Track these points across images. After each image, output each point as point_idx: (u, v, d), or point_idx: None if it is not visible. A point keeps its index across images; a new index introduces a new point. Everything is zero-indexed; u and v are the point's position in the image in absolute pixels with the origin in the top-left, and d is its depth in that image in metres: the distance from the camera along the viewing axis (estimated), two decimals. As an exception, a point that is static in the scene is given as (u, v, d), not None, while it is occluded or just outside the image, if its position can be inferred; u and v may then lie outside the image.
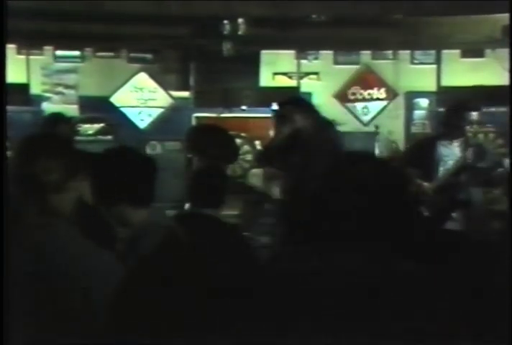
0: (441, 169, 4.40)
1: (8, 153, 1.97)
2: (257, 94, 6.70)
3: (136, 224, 1.99)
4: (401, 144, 6.90)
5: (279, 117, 4.29)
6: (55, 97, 6.72)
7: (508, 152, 5.07)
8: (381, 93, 7.01)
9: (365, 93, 7.06)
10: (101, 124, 6.66)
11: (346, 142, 5.56)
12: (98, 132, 6.64)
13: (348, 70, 7.04)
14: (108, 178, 1.99)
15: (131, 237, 1.99)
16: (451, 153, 4.42)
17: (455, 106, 4.52)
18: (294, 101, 4.32)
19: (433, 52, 6.89)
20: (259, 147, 6.60)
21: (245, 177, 5.82)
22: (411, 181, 4.22)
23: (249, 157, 6.63)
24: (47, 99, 6.69)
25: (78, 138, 5.87)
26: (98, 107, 6.65)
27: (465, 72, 6.63)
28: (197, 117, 6.77)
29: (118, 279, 1.21)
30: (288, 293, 1.25)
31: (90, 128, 6.66)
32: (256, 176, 5.46)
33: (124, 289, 1.07)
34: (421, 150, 4.50)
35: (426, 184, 4.38)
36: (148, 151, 6.47)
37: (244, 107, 6.58)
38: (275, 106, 6.24)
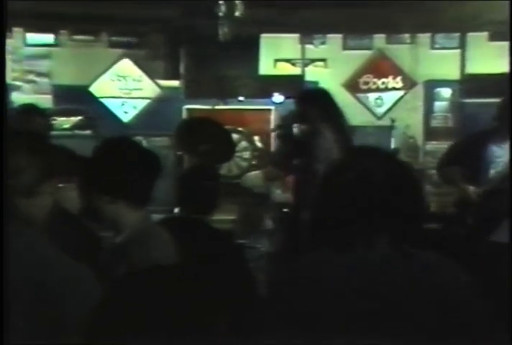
0: (492, 172, 4.16)
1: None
2: (256, 83, 6.69)
3: (129, 228, 2.00)
4: (420, 140, 6.90)
5: (296, 114, 4.33)
6: (26, 86, 6.70)
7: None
8: (397, 81, 6.99)
9: (379, 82, 7.04)
10: (79, 117, 6.63)
11: (356, 138, 5.60)
12: (76, 126, 6.62)
13: (359, 56, 7.03)
14: (104, 172, 2.01)
15: (119, 244, 2.01)
16: (504, 154, 4.14)
17: None
18: (311, 96, 4.36)
19: (456, 35, 6.88)
20: (258, 144, 6.63)
21: (242, 178, 5.84)
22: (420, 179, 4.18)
23: (247, 154, 6.62)
24: (17, 88, 6.66)
25: (52, 133, 5.79)
26: (76, 98, 6.62)
27: (493, 58, 6.59)
28: (188, 109, 6.77)
29: (96, 300, 1.17)
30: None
31: (66, 121, 6.64)
32: (255, 176, 5.51)
33: (103, 310, 1.05)
34: (467, 149, 4.25)
35: (472, 188, 4.19)
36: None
37: (241, 98, 6.56)
38: (277, 98, 6.33)
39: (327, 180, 1.64)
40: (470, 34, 6.79)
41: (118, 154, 2.04)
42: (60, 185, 1.96)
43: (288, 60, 7.05)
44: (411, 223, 1.56)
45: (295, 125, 4.47)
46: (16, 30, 6.66)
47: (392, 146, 6.31)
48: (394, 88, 7.01)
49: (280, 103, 6.58)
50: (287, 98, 4.36)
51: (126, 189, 2.01)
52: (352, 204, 1.54)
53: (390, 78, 7.01)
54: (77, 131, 6.58)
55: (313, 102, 4.29)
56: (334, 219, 1.56)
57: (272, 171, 4.96)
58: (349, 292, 1.49)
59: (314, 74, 6.96)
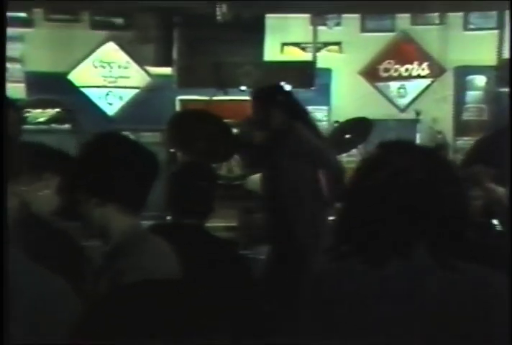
0: None
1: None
2: (261, 71, 6.65)
3: (119, 235, 2.02)
4: (449, 136, 6.87)
5: (256, 110, 4.39)
6: (-6, 73, 6.65)
7: None
8: (423, 68, 6.99)
9: (402, 69, 7.04)
10: (56, 109, 6.55)
11: (376, 133, 5.73)
12: (52, 120, 6.54)
13: (379, 39, 7.03)
14: (92, 171, 2.02)
15: (107, 253, 2.02)
16: None
17: None
18: (270, 92, 4.40)
19: (493, 13, 6.80)
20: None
21: (245, 179, 5.84)
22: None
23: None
24: (-17, 76, 6.59)
25: (25, 127, 5.68)
26: (52, 87, 6.58)
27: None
28: (182, 100, 6.78)
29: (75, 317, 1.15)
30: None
31: (41, 114, 6.55)
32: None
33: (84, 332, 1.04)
34: (494, 144, 4.17)
35: (501, 189, 4.14)
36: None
37: (243, 88, 6.43)
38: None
39: (354, 182, 1.65)
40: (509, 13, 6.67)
41: (108, 151, 2.06)
42: (30, 185, 2.05)
43: (297, 44, 7.06)
44: (453, 231, 1.57)
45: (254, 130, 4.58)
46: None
47: (417, 142, 6.21)
48: (419, 76, 7.02)
49: (288, 92, 6.56)
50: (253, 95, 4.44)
51: (117, 190, 2.03)
52: (384, 208, 1.55)
53: (415, 64, 7.02)
54: (54, 126, 6.49)
55: (277, 101, 4.32)
56: (362, 225, 1.58)
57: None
58: (380, 309, 1.51)
59: (327, 60, 6.96)
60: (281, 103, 4.29)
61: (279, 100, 4.31)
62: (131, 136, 6.41)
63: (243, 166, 5.03)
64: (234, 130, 6.19)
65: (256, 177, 5.50)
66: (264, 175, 4.42)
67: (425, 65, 6.96)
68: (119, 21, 6.80)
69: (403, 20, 6.95)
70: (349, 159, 5.91)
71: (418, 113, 6.59)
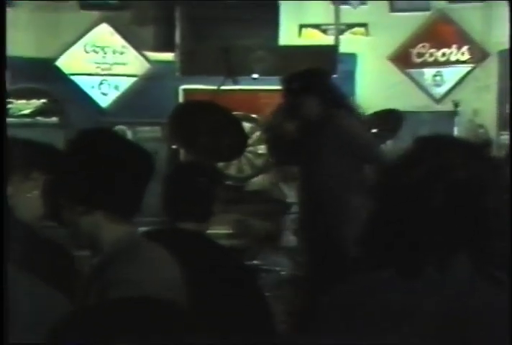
0: None
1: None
2: (276, 56, 6.60)
3: (110, 245, 2.05)
4: (492, 130, 6.81)
5: (287, 98, 4.40)
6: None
7: None
8: (462, 52, 6.95)
9: (438, 54, 7.01)
10: (42, 100, 6.61)
11: (408, 127, 5.75)
12: (38, 112, 6.61)
13: (412, 19, 7.00)
14: (78, 174, 2.05)
15: (97, 265, 2.06)
16: None
17: None
18: (304, 78, 4.39)
19: None
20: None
21: (250, 182, 5.97)
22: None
23: (262, 149, 6.53)
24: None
25: (7, 120, 5.80)
26: (38, 74, 6.60)
27: None
28: (185, 90, 6.81)
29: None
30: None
31: (25, 105, 6.63)
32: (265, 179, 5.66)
33: None
34: None
35: None
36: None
37: (255, 75, 6.49)
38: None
39: (385, 182, 1.67)
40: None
41: (96, 151, 2.08)
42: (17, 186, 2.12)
43: (316, 26, 7.05)
44: (499, 240, 1.57)
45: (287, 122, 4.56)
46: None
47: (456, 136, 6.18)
48: (458, 61, 6.98)
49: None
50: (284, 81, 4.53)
51: (107, 195, 2.06)
52: (420, 211, 1.56)
53: (454, 48, 6.99)
54: (39, 119, 6.57)
55: (312, 88, 4.32)
56: (395, 231, 1.59)
57: (286, 171, 5.15)
58: (416, 326, 1.53)
59: (352, 44, 6.90)
60: (317, 90, 4.28)
61: (315, 86, 4.30)
62: (128, 132, 6.58)
63: (275, 163, 5.05)
64: (246, 124, 6.33)
65: (260, 178, 5.68)
66: (301, 172, 4.41)
67: (465, 48, 6.93)
68: (113, 0, 6.80)
69: (440, -3, 7.00)
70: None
71: (456, 105, 6.52)
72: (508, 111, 6.73)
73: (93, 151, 2.08)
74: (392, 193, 1.64)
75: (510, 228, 1.54)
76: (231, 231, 5.05)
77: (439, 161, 1.60)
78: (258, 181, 5.54)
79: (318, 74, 4.61)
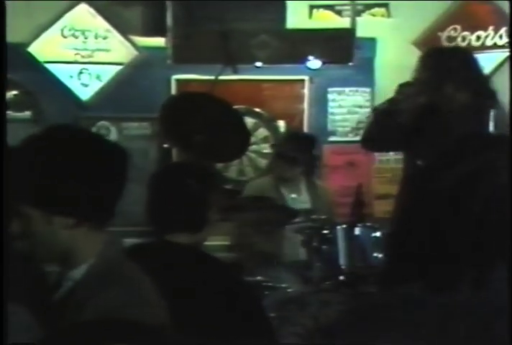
0: None
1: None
2: (282, 42, 6.66)
3: (85, 260, 2.07)
4: None
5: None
6: None
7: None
8: (500, 35, 6.93)
9: (472, 37, 7.00)
10: (13, 92, 6.63)
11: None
12: (8, 105, 6.51)
13: None
14: (40, 180, 2.06)
15: (69, 284, 2.08)
16: None
17: None
18: (447, 51, 4.71)
19: None
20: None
21: (246, 186, 5.90)
22: None
23: (266, 147, 6.64)
24: None
25: None
26: (8, 63, 6.48)
27: None
28: (178, 80, 6.84)
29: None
30: None
31: None
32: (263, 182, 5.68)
33: None
34: None
35: None
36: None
37: (259, 64, 6.54)
38: (313, 63, 6.26)
39: (416, 186, 1.81)
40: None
41: (57, 152, 2.09)
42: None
43: (329, 7, 7.05)
44: None
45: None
46: None
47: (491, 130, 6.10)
48: (496, 46, 6.97)
49: (318, 70, 6.62)
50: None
51: (74, 203, 2.06)
52: (455, 220, 1.59)
53: (490, 30, 6.98)
54: (10, 113, 6.52)
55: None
56: (425, 241, 1.62)
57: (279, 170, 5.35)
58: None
59: (370, 27, 6.92)
60: (460, 69, 4.49)
61: (457, 63, 4.51)
62: (112, 128, 6.67)
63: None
64: (248, 119, 6.48)
65: (261, 181, 5.71)
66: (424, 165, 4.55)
67: (503, 31, 6.91)
68: (95, -25, 6.90)
69: (473, -28, 7.00)
70: (397, 157, 5.91)
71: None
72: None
73: (51, 151, 2.09)
74: (423, 199, 1.67)
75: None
76: (230, 243, 5.09)
77: (480, 162, 1.63)
78: (258, 184, 5.61)
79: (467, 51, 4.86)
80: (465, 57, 4.68)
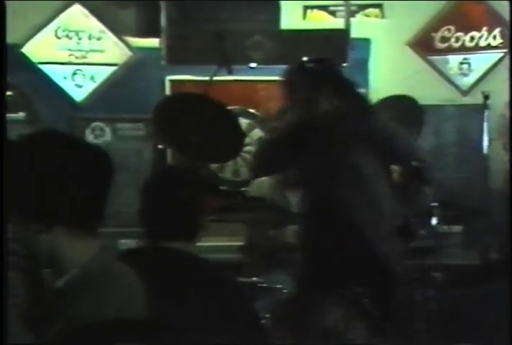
0: None
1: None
2: (277, 42, 6.66)
3: (74, 266, 2.06)
4: None
5: (292, 92, 4.53)
6: None
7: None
8: (494, 36, 6.92)
9: (466, 38, 6.98)
10: (7, 93, 6.47)
11: (430, 122, 5.85)
12: None
13: None
14: (26, 186, 2.06)
15: (60, 290, 2.07)
16: None
17: None
18: (314, 68, 4.56)
19: None
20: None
21: (250, 185, 5.92)
22: None
23: None
24: None
25: None
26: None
27: None
28: (172, 81, 6.81)
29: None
30: None
31: None
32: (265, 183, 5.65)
33: None
34: None
35: None
36: (89, 138, 6.52)
37: (253, 64, 6.54)
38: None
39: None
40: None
41: (42, 157, 2.09)
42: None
43: (324, 7, 7.04)
44: None
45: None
46: None
47: (486, 135, 6.18)
48: (489, 47, 6.95)
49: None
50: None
51: (62, 209, 2.06)
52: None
53: (484, 31, 6.96)
54: None
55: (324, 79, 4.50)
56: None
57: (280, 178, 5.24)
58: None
59: (365, 27, 6.91)
60: (329, 82, 4.40)
61: (326, 77, 4.45)
62: (106, 129, 6.66)
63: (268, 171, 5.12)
64: (242, 120, 6.42)
65: (262, 180, 5.63)
66: (313, 177, 4.47)
67: (497, 31, 6.90)
68: (90, -23, 6.88)
69: (466, -28, 6.97)
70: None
71: (486, 97, 6.28)
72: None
73: (33, 154, 2.09)
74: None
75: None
76: (224, 244, 5.08)
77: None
78: (256, 185, 5.59)
79: (330, 63, 4.72)
80: (327, 66, 4.69)
